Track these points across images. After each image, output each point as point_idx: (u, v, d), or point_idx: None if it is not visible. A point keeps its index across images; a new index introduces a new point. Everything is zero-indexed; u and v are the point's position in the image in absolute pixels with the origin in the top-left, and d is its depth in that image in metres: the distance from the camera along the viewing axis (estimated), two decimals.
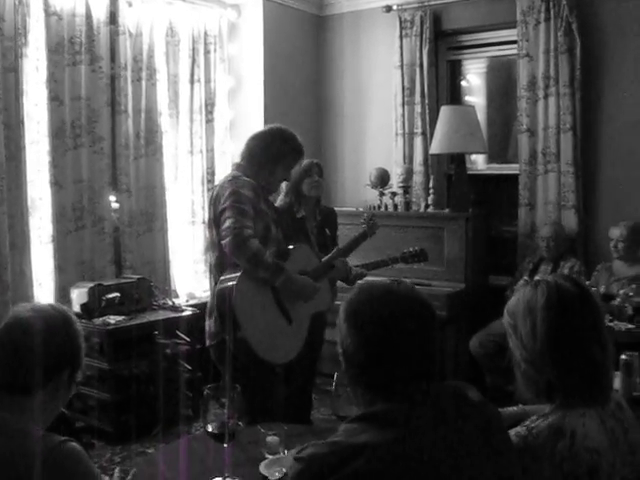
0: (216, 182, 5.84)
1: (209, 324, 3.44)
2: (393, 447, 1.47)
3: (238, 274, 3.23)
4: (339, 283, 4.14)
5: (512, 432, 1.71)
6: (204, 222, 5.86)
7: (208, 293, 5.76)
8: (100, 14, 5.00)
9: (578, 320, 1.75)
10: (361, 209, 5.91)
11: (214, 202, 3.35)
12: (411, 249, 4.15)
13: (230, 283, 3.22)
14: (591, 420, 1.69)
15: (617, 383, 2.79)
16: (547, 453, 1.66)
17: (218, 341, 3.36)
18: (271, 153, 3.49)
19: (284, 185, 4.06)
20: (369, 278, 4.15)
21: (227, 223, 3.17)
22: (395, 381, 1.57)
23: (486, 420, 1.60)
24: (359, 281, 4.02)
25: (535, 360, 1.75)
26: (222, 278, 3.28)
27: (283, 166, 3.54)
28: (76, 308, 4.61)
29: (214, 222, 3.34)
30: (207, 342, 3.48)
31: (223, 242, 3.18)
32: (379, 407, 1.56)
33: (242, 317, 3.19)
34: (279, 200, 4.25)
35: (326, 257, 3.80)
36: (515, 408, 2.18)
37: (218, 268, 3.36)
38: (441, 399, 1.57)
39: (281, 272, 3.27)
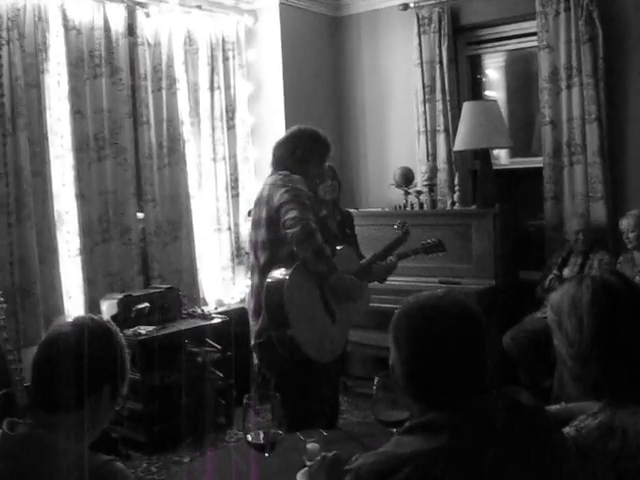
0: (240, 188, 5.92)
1: (255, 322, 3.45)
2: (440, 455, 1.44)
3: (289, 271, 3.23)
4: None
5: None
6: (229, 228, 5.87)
7: (237, 299, 5.86)
8: (118, 26, 5.02)
9: (626, 315, 1.71)
10: (387, 209, 5.88)
11: (267, 201, 3.34)
12: (429, 240, 4.13)
13: (280, 279, 3.23)
14: None
15: None
16: (598, 453, 1.62)
17: (264, 339, 3.35)
18: (299, 155, 3.49)
19: None
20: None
21: (291, 214, 3.17)
22: (439, 393, 1.56)
23: (540, 425, 1.57)
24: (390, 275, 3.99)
25: (582, 357, 1.71)
26: (270, 275, 3.28)
27: (314, 163, 3.54)
28: None
29: (266, 222, 3.34)
30: (252, 341, 3.49)
31: (289, 231, 3.17)
32: (428, 417, 1.54)
33: (291, 314, 3.19)
34: None
35: (365, 260, 3.80)
36: (558, 406, 2.15)
37: (269, 267, 3.33)
38: (492, 407, 1.54)
39: (336, 269, 3.28)
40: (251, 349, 3.58)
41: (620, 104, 5.24)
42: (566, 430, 1.68)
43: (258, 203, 3.43)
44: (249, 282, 5.79)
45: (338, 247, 3.63)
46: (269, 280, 3.28)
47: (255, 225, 3.46)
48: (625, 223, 4.89)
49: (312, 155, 3.53)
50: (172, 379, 4.72)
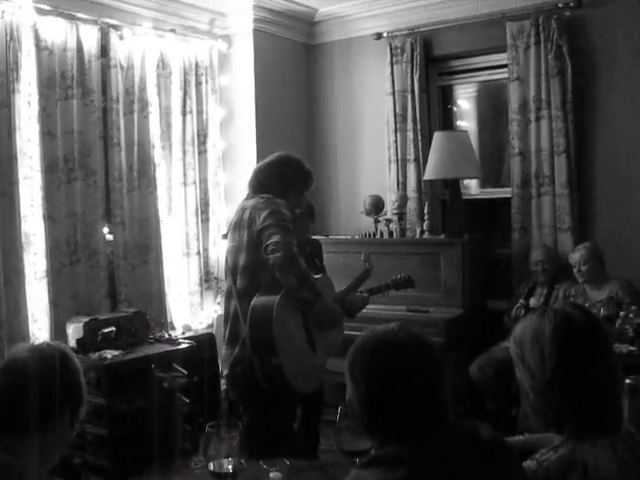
0: (210, 213, 5.90)
1: (230, 351, 3.34)
2: None
3: (275, 298, 3.16)
4: None
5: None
6: (199, 253, 5.83)
7: (204, 325, 5.81)
8: (91, 48, 4.99)
9: (587, 348, 1.72)
10: (357, 237, 5.89)
11: (248, 225, 3.26)
12: (399, 276, 4.15)
13: (268, 306, 3.15)
14: (603, 451, 1.65)
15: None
16: None
17: (241, 368, 3.25)
18: (283, 182, 3.43)
19: None
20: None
21: (274, 238, 3.11)
22: (398, 427, 1.55)
23: (498, 458, 1.56)
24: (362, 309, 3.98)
25: (543, 389, 1.72)
26: (255, 303, 3.19)
27: (296, 192, 3.50)
28: (72, 343, 4.56)
29: (247, 246, 3.27)
30: (225, 370, 3.39)
31: (271, 256, 3.10)
32: (386, 450, 1.53)
33: (279, 343, 3.12)
34: None
35: (340, 291, 3.78)
36: (521, 437, 2.15)
37: (249, 293, 3.25)
38: (451, 439, 1.54)
39: (321, 294, 3.23)
40: (222, 377, 3.48)
41: (588, 137, 5.32)
42: (527, 463, 1.68)
43: (238, 227, 3.35)
44: (218, 307, 5.80)
45: (316, 276, 3.54)
46: (254, 309, 3.19)
47: (235, 250, 3.36)
48: (577, 256, 4.93)
49: (296, 183, 3.49)
50: (138, 404, 4.65)
